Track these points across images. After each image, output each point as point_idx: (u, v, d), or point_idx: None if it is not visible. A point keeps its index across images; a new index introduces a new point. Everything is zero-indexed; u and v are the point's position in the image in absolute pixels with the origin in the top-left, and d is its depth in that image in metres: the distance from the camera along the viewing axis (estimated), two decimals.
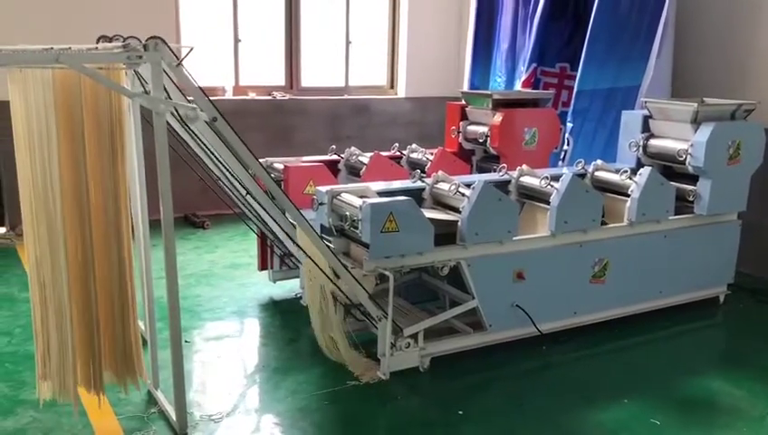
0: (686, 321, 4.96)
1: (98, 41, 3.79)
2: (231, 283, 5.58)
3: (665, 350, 4.57)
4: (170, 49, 2.98)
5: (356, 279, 3.74)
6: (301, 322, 4.76)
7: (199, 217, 7.22)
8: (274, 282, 5.29)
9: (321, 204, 3.99)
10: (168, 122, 3.19)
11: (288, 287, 5.29)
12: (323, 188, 4.05)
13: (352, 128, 8.29)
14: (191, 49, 3.08)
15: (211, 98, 7.68)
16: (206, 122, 3.23)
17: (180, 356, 3.30)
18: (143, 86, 3.24)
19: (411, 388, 3.92)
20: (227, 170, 3.44)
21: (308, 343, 4.54)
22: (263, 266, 5.30)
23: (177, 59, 3.02)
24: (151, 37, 2.90)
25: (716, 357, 4.63)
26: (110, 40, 3.64)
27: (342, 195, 3.97)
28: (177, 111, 3.10)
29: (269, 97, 7.89)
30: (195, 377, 3.99)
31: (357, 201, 3.79)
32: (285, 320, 4.88)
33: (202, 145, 3.42)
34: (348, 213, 3.81)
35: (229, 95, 7.74)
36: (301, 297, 4.97)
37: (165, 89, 3.00)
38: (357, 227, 3.74)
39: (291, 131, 7.93)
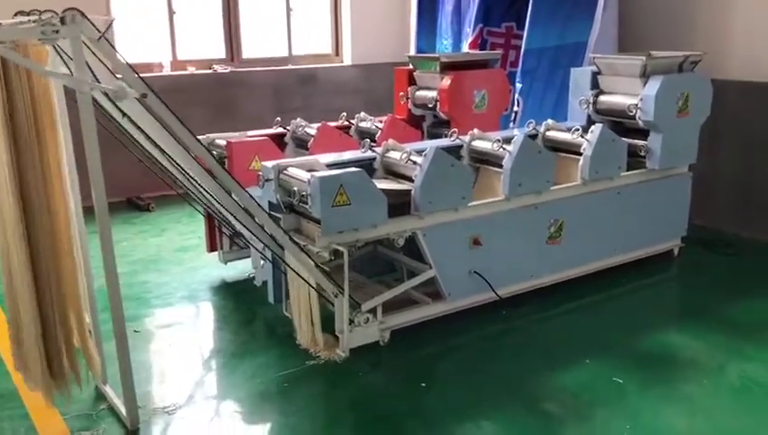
0: (643, 276, 4.97)
1: (14, 16, 3.50)
2: (180, 267, 5.38)
3: (623, 307, 4.57)
4: (91, 22, 2.75)
5: (310, 256, 3.59)
6: (255, 303, 4.63)
7: (144, 200, 6.94)
8: (225, 263, 5.11)
9: (267, 180, 3.81)
10: (98, 101, 2.98)
11: (240, 268, 5.11)
12: (269, 164, 3.87)
13: (299, 99, 8.06)
14: (112, 21, 2.86)
15: (148, 74, 7.35)
16: (137, 99, 3.01)
17: (126, 347, 3.12)
18: (66, 64, 3.00)
19: (372, 363, 3.82)
20: (161, 151, 3.21)
21: (263, 325, 4.41)
22: (212, 248, 5.11)
23: (99, 32, 2.78)
24: (68, 9, 2.66)
25: (674, 311, 4.67)
26: (29, 15, 3.36)
27: (289, 169, 3.80)
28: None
29: (209, 71, 7.60)
30: (146, 368, 3.81)
31: (305, 175, 3.62)
32: (239, 302, 4.72)
33: (135, 124, 3.18)
34: (296, 188, 3.65)
35: (167, 70, 7.42)
36: (254, 278, 4.81)
37: (88, 65, 2.77)
38: (306, 203, 3.59)
39: (234, 105, 7.67)
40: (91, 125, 2.78)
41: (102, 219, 2.91)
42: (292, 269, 3.69)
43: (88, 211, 3.47)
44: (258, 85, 7.83)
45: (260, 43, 8.01)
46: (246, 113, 7.63)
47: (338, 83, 8.38)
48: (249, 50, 7.91)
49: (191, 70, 7.52)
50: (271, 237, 3.62)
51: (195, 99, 7.39)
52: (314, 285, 3.68)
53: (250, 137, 4.85)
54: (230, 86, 7.66)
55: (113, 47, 2.83)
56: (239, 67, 7.78)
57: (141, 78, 2.89)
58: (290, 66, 8.14)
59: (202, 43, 7.68)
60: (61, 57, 2.98)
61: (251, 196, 3.44)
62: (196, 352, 4.04)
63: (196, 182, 3.30)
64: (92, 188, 2.88)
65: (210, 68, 7.61)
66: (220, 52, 7.77)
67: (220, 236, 5.02)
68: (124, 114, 3.01)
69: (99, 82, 2.77)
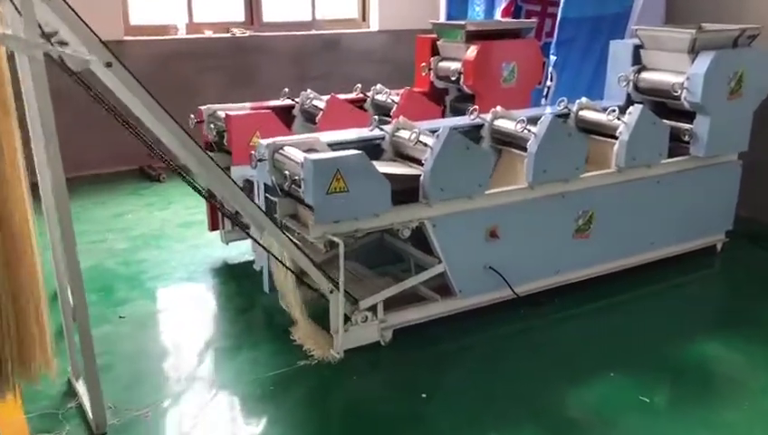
0: (680, 274, 4.51)
1: None
2: (182, 244, 5.08)
3: (656, 309, 4.12)
4: None
5: (297, 245, 3.23)
6: (255, 288, 4.31)
7: (155, 170, 6.66)
8: (227, 243, 4.79)
9: (260, 160, 3.45)
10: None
11: (243, 249, 4.79)
12: (264, 141, 3.50)
13: (322, 66, 7.64)
14: None
15: (162, 37, 6.96)
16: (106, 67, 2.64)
17: (90, 345, 2.81)
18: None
19: (370, 366, 3.47)
20: (128, 126, 2.86)
21: (261, 313, 4.10)
22: (213, 226, 4.80)
23: None
24: None
25: (713, 316, 4.18)
26: None
27: (285, 149, 3.43)
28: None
29: (227, 34, 7.21)
30: (127, 361, 3.51)
31: (299, 157, 3.25)
32: (239, 287, 4.40)
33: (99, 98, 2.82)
34: (287, 172, 3.28)
35: (182, 33, 7.05)
36: (254, 261, 4.49)
37: (39, 26, 2.42)
38: (300, 187, 3.22)
39: (253, 72, 7.29)
40: (43, 95, 2.44)
41: (61, 205, 2.60)
42: (275, 256, 3.34)
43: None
44: (278, 51, 7.43)
45: (281, 5, 7.57)
46: (265, 80, 7.25)
47: (364, 51, 7.93)
48: (270, 13, 7.49)
49: (208, 33, 7.15)
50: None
51: (211, 64, 7.05)
52: (297, 274, 3.34)
53: (253, 109, 4.47)
54: (249, 51, 7.27)
55: (68, 5, 2.46)
56: (259, 31, 7.38)
57: (104, 44, 2.52)
58: (313, 31, 7.72)
59: (220, 4, 7.28)
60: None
61: (229, 176, 3.08)
62: (184, 345, 3.72)
63: (163, 159, 2.94)
64: (49, 167, 2.55)
65: (228, 32, 7.23)
66: (239, 14, 7.37)
67: (222, 214, 4.69)
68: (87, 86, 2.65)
69: (51, 44, 2.41)
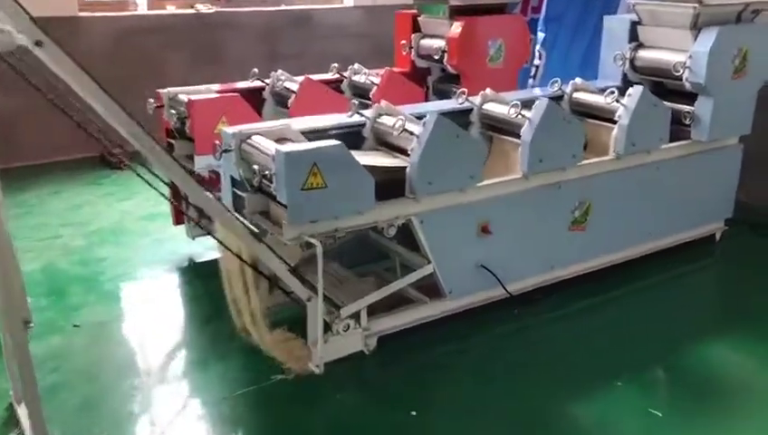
0: (679, 265, 4.24)
1: None
2: (145, 239, 4.69)
3: (657, 304, 3.85)
4: None
5: (270, 248, 2.87)
6: (223, 289, 3.93)
7: (117, 157, 6.18)
8: (193, 238, 4.40)
9: (225, 151, 3.07)
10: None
11: (210, 244, 4.38)
12: (230, 130, 3.12)
13: (294, 44, 7.22)
14: None
15: (120, 14, 6.46)
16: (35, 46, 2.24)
17: (30, 366, 2.41)
18: None
19: (353, 379, 3.14)
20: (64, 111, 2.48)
21: (230, 320, 3.63)
22: (177, 220, 4.41)
23: None
24: None
25: (718, 312, 3.92)
26: None
27: (254, 138, 3.04)
28: None
29: (191, 10, 6.75)
30: (80, 379, 3.13)
31: (270, 148, 2.87)
32: (206, 287, 4.01)
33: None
34: (256, 166, 2.90)
35: (143, 9, 6.57)
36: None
37: None
38: (271, 183, 2.85)
39: (219, 50, 6.85)
40: None
41: None
42: (242, 259, 2.99)
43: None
44: (246, 27, 6.99)
45: None
46: (233, 59, 6.82)
47: (339, 27, 7.52)
48: None
49: (170, 9, 6.69)
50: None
51: (174, 42, 6.59)
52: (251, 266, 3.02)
53: (219, 92, 4.06)
54: (214, 28, 6.82)
55: None
56: (225, 6, 6.93)
57: (33, 20, 2.12)
58: (283, 6, 7.28)
59: None
60: None
61: (185, 168, 2.71)
62: (144, 359, 3.34)
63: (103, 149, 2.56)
64: None
65: (192, 7, 6.77)
66: None
67: (187, 207, 4.29)
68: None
69: None
